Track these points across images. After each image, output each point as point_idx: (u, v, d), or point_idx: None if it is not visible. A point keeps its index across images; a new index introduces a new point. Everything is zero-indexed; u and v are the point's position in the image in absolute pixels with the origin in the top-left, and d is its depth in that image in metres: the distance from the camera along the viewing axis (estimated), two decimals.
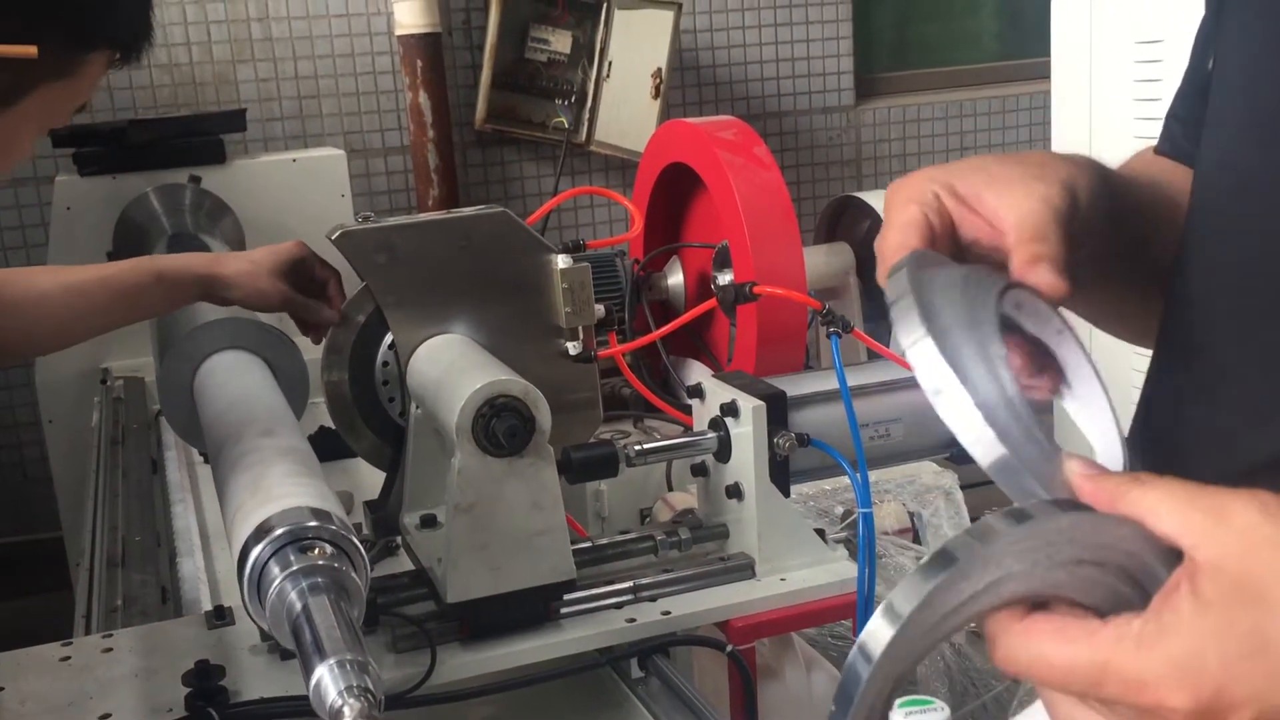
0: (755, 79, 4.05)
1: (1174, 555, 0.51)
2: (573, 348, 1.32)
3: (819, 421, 1.28)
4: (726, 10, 3.97)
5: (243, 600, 0.90)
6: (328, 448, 1.36)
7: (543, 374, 1.23)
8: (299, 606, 0.85)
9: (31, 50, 0.89)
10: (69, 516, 2.55)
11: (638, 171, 2.48)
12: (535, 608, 1.18)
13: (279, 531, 0.89)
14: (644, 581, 1.24)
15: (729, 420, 1.26)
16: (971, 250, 0.69)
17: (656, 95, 3.56)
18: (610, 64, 3.57)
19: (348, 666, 0.78)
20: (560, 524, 1.15)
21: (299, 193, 2.72)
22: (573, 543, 1.19)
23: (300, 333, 1.44)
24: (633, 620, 1.20)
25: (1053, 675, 0.51)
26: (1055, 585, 0.51)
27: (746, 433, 1.24)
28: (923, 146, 4.31)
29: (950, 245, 0.69)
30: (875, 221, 2.61)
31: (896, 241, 0.67)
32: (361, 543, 0.92)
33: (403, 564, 1.32)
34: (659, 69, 3.55)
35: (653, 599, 1.23)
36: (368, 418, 1.32)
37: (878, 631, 0.50)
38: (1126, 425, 0.79)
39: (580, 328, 1.31)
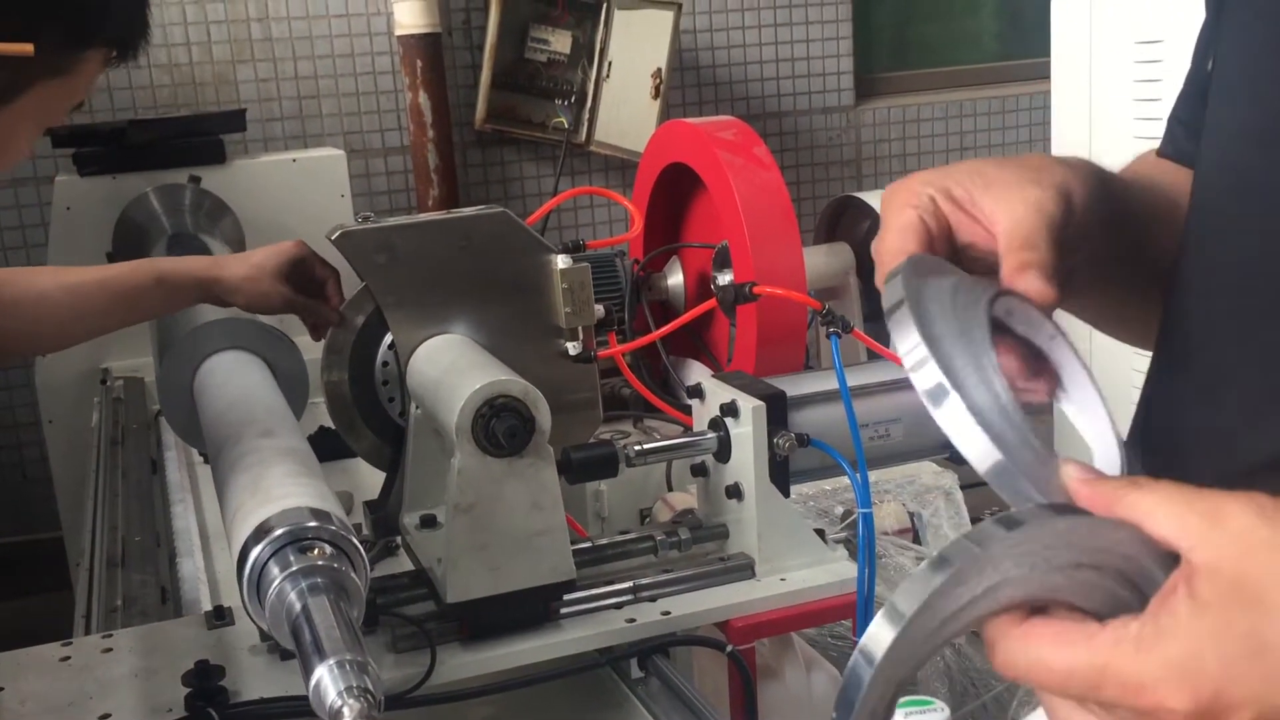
0: (755, 79, 4.05)
1: (1171, 559, 0.51)
2: (573, 348, 1.32)
3: (819, 421, 1.28)
4: (726, 10, 3.97)
5: (242, 600, 0.90)
6: (328, 448, 1.36)
7: (543, 374, 1.23)
8: (299, 607, 0.85)
9: (28, 48, 0.89)
10: (69, 516, 2.55)
11: (638, 171, 2.47)
12: (535, 608, 1.18)
13: (279, 532, 0.89)
14: (644, 581, 1.24)
15: (729, 420, 1.26)
16: (967, 253, 0.69)
17: (656, 95, 3.56)
18: (610, 64, 3.57)
19: (347, 667, 0.78)
20: (560, 524, 1.15)
21: (299, 193, 2.72)
22: (573, 543, 1.19)
23: (304, 331, 1.44)
24: (633, 620, 1.20)
25: (1052, 679, 0.51)
26: (1053, 589, 0.51)
27: (746, 433, 1.24)
28: (923, 146, 4.31)
29: (947, 248, 0.69)
30: (875, 222, 2.61)
31: (894, 245, 0.67)
32: (361, 543, 0.92)
33: (403, 564, 1.32)
34: (659, 69, 3.55)
35: (653, 599, 1.23)
36: (368, 418, 1.32)
37: (879, 635, 0.50)
38: (1126, 427, 0.79)
39: (580, 328, 1.31)
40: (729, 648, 1.22)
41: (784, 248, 2.03)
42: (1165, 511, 0.51)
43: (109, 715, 1.10)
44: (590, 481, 1.58)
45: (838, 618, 1.29)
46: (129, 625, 1.32)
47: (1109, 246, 0.74)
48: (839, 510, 2.03)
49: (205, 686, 1.10)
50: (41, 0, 0.92)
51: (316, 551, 0.88)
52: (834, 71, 4.14)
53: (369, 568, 0.92)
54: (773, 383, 1.29)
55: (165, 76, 3.50)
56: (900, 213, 0.69)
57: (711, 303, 2.00)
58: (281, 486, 0.98)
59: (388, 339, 1.30)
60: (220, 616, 1.25)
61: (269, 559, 0.89)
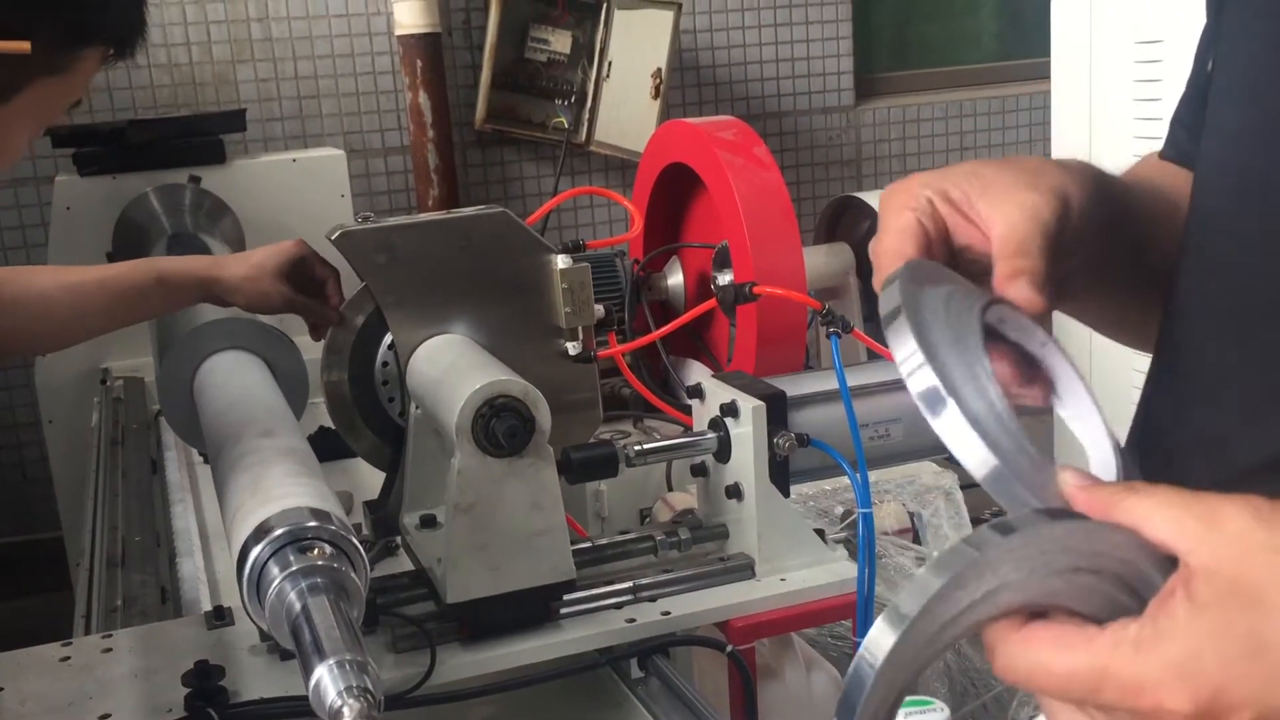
0: (755, 79, 4.05)
1: (1169, 563, 0.51)
2: (572, 348, 1.32)
3: (819, 421, 1.28)
4: (726, 10, 3.97)
5: (242, 600, 0.90)
6: (328, 448, 1.36)
7: (543, 374, 1.23)
8: (298, 607, 0.85)
9: (25, 46, 0.89)
10: (69, 516, 2.55)
11: (637, 171, 2.48)
12: (535, 608, 1.18)
13: (278, 532, 0.89)
14: (644, 581, 1.25)
15: (729, 420, 1.27)
16: (964, 256, 0.69)
17: (656, 95, 3.56)
18: (610, 64, 3.57)
19: (347, 667, 0.78)
20: (560, 524, 1.15)
21: (299, 193, 2.72)
22: (573, 543, 1.19)
23: (304, 331, 1.44)
24: (632, 620, 1.20)
25: (1052, 683, 0.51)
26: (1053, 594, 0.52)
27: (746, 433, 1.24)
28: (923, 146, 4.31)
29: (944, 250, 0.69)
30: (875, 222, 2.60)
31: (892, 248, 0.67)
32: (361, 543, 0.92)
33: (403, 564, 1.32)
34: (659, 69, 3.55)
35: (652, 599, 1.23)
36: (368, 418, 1.32)
37: (880, 639, 0.51)
38: (1126, 427, 0.79)
39: (580, 328, 1.31)
40: (729, 648, 1.22)
41: (784, 248, 2.03)
42: (1162, 516, 0.51)
43: (109, 715, 1.10)
44: (590, 481, 1.58)
45: (838, 618, 1.29)
46: (129, 625, 1.32)
47: (1107, 250, 0.74)
48: (839, 510, 2.03)
49: (205, 686, 1.10)
50: None
51: (316, 551, 0.88)
52: (834, 71, 4.14)
53: (369, 568, 0.92)
54: (773, 383, 1.29)
55: (165, 76, 3.50)
56: (898, 215, 0.69)
57: (711, 303, 2.00)
58: (281, 486, 0.98)
59: (388, 339, 1.30)
60: (220, 616, 1.26)
61: (269, 559, 0.89)
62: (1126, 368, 2.19)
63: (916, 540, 2.09)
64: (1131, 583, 0.52)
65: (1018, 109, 4.37)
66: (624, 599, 1.23)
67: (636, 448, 1.27)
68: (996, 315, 0.65)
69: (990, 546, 0.51)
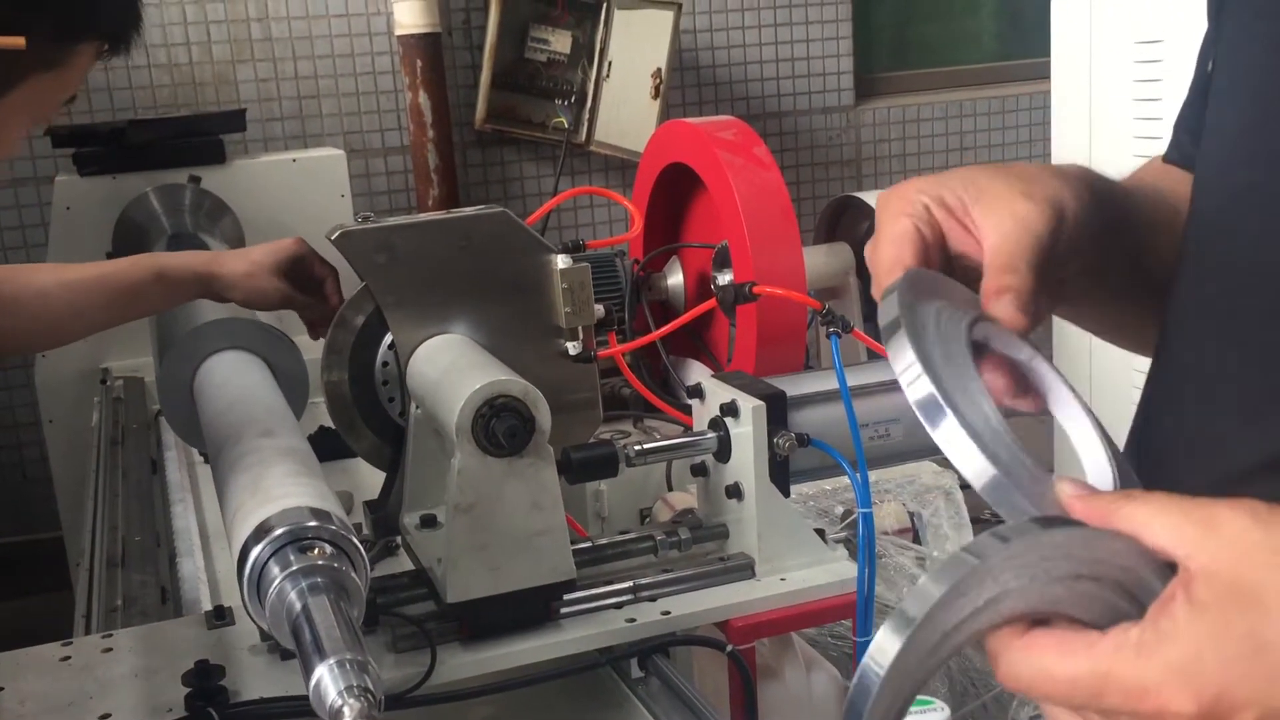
0: (755, 79, 4.05)
1: (1168, 568, 0.51)
2: (572, 348, 1.32)
3: (819, 421, 1.28)
4: (726, 10, 3.97)
5: (243, 600, 0.90)
6: (328, 448, 1.36)
7: (543, 374, 1.23)
8: (299, 606, 0.85)
9: (20, 41, 0.89)
10: (69, 516, 2.55)
11: (637, 171, 2.48)
12: (535, 608, 1.18)
13: (279, 531, 0.89)
14: (644, 581, 1.24)
15: (729, 420, 1.26)
16: (960, 263, 0.69)
17: (656, 95, 3.56)
18: (610, 64, 3.57)
19: (348, 666, 0.78)
20: (560, 524, 1.15)
21: (299, 193, 2.72)
22: (573, 543, 1.19)
23: (304, 331, 1.44)
24: (633, 620, 1.20)
25: (1055, 689, 0.51)
26: (1054, 601, 0.52)
27: (746, 433, 1.24)
28: (922, 146, 4.31)
29: (941, 257, 0.69)
30: (874, 222, 2.61)
31: (889, 254, 0.68)
32: (361, 543, 0.92)
33: (403, 564, 1.32)
34: (659, 69, 3.55)
35: (653, 599, 1.23)
36: (368, 418, 1.32)
37: (885, 645, 0.51)
38: (1126, 428, 0.79)
39: (580, 328, 1.31)
40: (729, 648, 1.22)
41: (784, 248, 2.03)
42: (1161, 522, 0.51)
43: (109, 715, 1.10)
44: (590, 481, 1.57)
45: (838, 618, 1.29)
46: (129, 625, 1.32)
47: (1105, 257, 0.75)
48: (839, 510, 2.03)
49: (205, 686, 1.10)
50: None
51: (316, 551, 0.88)
52: (834, 71, 4.14)
53: (369, 567, 0.92)
54: (773, 383, 1.29)
55: (165, 76, 3.50)
56: (895, 221, 0.69)
57: (711, 303, 2.00)
58: (281, 486, 0.98)
59: (388, 339, 1.30)
60: (220, 616, 1.25)
61: (269, 558, 0.89)
62: (1126, 368, 2.19)
63: (916, 540, 2.09)
64: (1132, 589, 0.52)
65: (1018, 109, 4.37)
66: (624, 599, 1.23)
67: (636, 448, 1.27)
68: (983, 332, 0.65)
69: (991, 554, 0.51)
